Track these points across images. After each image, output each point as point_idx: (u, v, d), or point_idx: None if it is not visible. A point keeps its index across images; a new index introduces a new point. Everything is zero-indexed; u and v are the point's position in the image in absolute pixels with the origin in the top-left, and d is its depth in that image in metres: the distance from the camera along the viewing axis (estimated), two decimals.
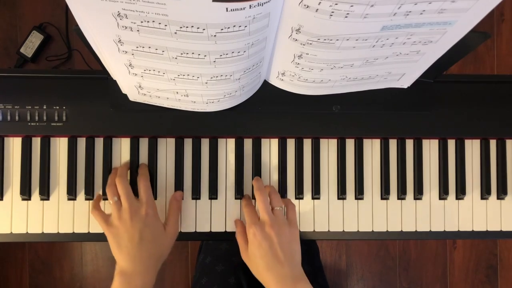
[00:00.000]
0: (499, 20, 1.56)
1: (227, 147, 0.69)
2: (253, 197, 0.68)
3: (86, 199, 0.67)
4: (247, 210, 0.64)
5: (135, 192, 0.65)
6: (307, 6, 0.42)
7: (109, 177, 0.65)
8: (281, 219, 0.61)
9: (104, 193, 0.67)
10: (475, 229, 0.71)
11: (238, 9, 0.40)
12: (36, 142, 0.67)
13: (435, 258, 1.57)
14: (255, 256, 0.60)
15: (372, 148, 0.71)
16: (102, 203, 0.67)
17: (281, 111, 0.67)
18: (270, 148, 0.70)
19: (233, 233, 0.68)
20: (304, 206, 0.69)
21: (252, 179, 0.69)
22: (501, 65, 1.56)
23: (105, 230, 0.61)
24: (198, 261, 0.89)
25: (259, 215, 0.63)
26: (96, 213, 0.63)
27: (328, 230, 0.69)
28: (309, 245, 0.93)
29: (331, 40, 0.48)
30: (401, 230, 0.70)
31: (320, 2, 0.41)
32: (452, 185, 0.71)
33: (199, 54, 0.47)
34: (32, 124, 0.66)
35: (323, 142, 0.70)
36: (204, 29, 0.43)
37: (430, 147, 0.71)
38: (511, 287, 1.57)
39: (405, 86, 0.67)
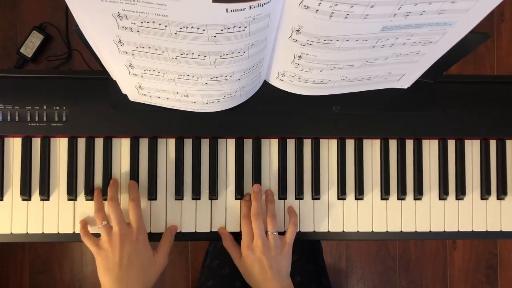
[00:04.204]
0: (499, 20, 1.56)
1: (227, 147, 0.69)
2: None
3: (86, 199, 0.67)
4: (245, 228, 0.65)
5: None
6: (307, 7, 0.42)
7: (95, 201, 0.65)
8: (273, 244, 0.64)
9: (105, 192, 0.67)
10: (475, 229, 0.71)
11: (238, 10, 0.40)
12: (36, 143, 0.67)
13: (435, 258, 1.57)
14: (248, 271, 0.64)
15: (372, 148, 0.71)
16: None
17: (281, 111, 0.67)
18: (270, 148, 0.70)
19: (233, 234, 0.68)
20: (304, 206, 0.69)
21: (252, 179, 0.69)
22: (501, 65, 1.56)
23: (94, 253, 0.62)
24: (205, 264, 0.90)
25: None
26: (86, 239, 0.63)
27: (328, 230, 0.69)
28: (314, 245, 0.93)
29: (331, 40, 0.48)
30: (401, 231, 0.70)
31: (320, 3, 0.41)
32: (452, 185, 0.71)
33: (199, 55, 0.48)
34: (32, 124, 0.66)
35: (323, 142, 0.70)
36: (204, 30, 0.43)
37: (430, 147, 0.71)
38: (511, 287, 1.57)
39: (405, 87, 0.67)
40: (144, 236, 0.63)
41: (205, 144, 0.69)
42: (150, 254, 0.63)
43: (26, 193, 0.66)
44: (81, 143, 0.68)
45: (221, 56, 0.48)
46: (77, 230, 0.67)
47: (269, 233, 0.64)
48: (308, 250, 0.89)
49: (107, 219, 0.62)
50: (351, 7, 0.41)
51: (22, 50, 1.44)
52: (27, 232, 0.67)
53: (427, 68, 0.59)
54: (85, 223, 0.66)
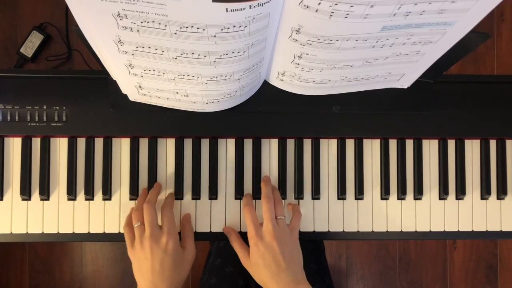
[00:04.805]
0: (499, 20, 1.56)
1: (227, 147, 0.69)
2: (253, 197, 0.69)
3: (86, 199, 0.67)
4: (249, 216, 0.63)
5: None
6: (307, 7, 0.42)
7: (137, 201, 0.66)
8: (283, 228, 0.62)
9: (104, 192, 0.67)
10: (475, 229, 0.71)
11: (238, 10, 0.40)
12: (36, 142, 0.67)
13: (435, 258, 1.57)
14: (259, 265, 0.61)
15: (372, 148, 0.71)
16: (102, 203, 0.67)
17: (281, 111, 0.67)
18: (270, 148, 0.70)
19: None
20: (304, 206, 0.69)
21: (253, 179, 0.69)
22: (501, 65, 1.56)
23: (128, 249, 0.63)
24: (208, 263, 0.90)
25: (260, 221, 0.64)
26: (126, 230, 0.64)
27: (328, 230, 0.69)
28: (316, 244, 0.93)
29: (331, 40, 0.48)
30: (401, 230, 0.70)
31: (320, 3, 0.41)
32: (452, 185, 0.71)
33: (199, 55, 0.47)
34: (32, 124, 0.66)
35: (323, 142, 0.70)
36: (204, 30, 0.43)
37: (430, 147, 0.71)
38: (511, 287, 1.57)
39: (405, 86, 0.67)
40: (175, 240, 0.62)
41: (205, 144, 0.69)
42: (181, 253, 0.63)
43: (26, 193, 0.66)
44: (81, 143, 0.68)
45: (221, 56, 0.48)
46: (77, 230, 0.67)
47: (278, 217, 0.63)
48: (311, 249, 0.89)
49: (142, 220, 0.62)
50: (351, 6, 0.41)
51: (22, 50, 1.44)
52: (27, 232, 0.67)
53: (427, 68, 0.59)
54: (131, 214, 0.65)
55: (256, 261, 0.61)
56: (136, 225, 0.62)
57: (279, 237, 0.61)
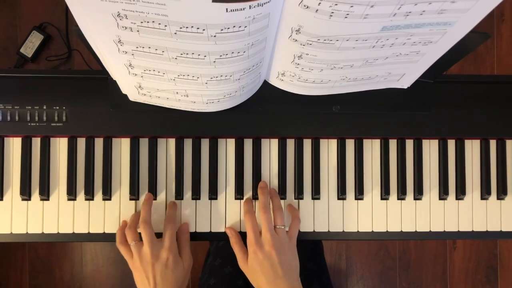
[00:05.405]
0: (499, 20, 1.56)
1: (227, 147, 0.69)
2: (253, 197, 0.69)
3: (86, 199, 0.67)
4: (250, 223, 0.63)
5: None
6: (307, 7, 0.42)
7: (131, 218, 0.65)
8: (282, 238, 0.63)
9: (104, 192, 0.67)
10: (475, 229, 0.71)
11: (238, 10, 0.40)
12: (36, 142, 0.67)
13: (435, 258, 1.57)
14: (256, 271, 0.62)
15: (372, 148, 0.71)
16: (102, 203, 0.67)
17: (281, 111, 0.67)
18: (270, 148, 0.70)
19: None
20: (304, 206, 0.69)
21: (253, 179, 0.69)
22: (501, 65, 1.56)
23: (129, 263, 0.64)
24: (207, 263, 0.90)
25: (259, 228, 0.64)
26: (122, 248, 0.64)
27: (328, 230, 0.69)
28: (315, 244, 0.93)
29: (331, 40, 0.48)
30: (401, 230, 0.70)
31: (320, 3, 0.41)
32: (452, 185, 0.71)
33: (199, 55, 0.48)
34: (32, 124, 0.66)
35: (323, 142, 0.70)
36: (204, 30, 0.43)
37: (430, 147, 0.71)
38: (511, 287, 1.57)
39: (405, 86, 0.67)
40: (175, 254, 0.63)
41: (205, 144, 0.69)
42: (181, 265, 0.64)
43: (26, 193, 0.66)
44: (81, 143, 0.68)
45: (221, 56, 0.48)
46: (77, 230, 0.67)
47: (277, 227, 0.63)
48: (309, 249, 0.89)
49: (137, 239, 0.63)
50: (351, 7, 0.41)
51: (22, 50, 1.44)
52: (27, 232, 0.67)
53: (427, 68, 0.59)
54: (122, 230, 0.65)
55: (254, 267, 0.62)
56: (132, 244, 0.62)
57: (278, 246, 0.61)
